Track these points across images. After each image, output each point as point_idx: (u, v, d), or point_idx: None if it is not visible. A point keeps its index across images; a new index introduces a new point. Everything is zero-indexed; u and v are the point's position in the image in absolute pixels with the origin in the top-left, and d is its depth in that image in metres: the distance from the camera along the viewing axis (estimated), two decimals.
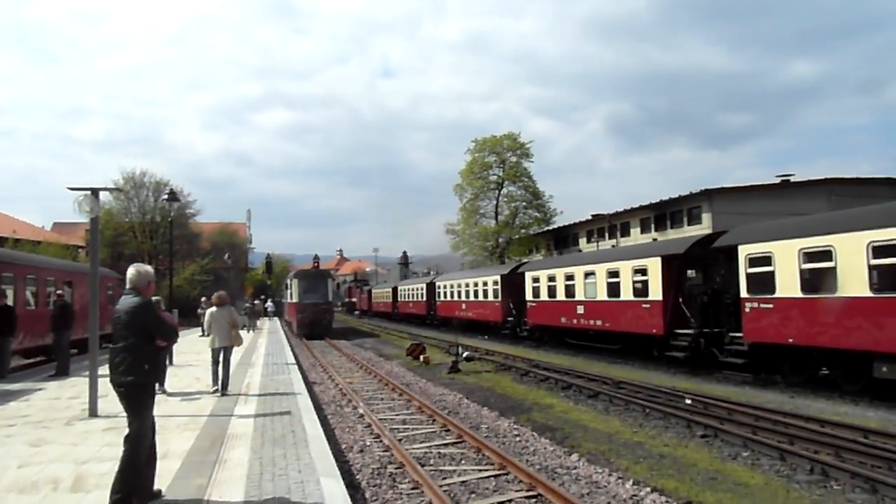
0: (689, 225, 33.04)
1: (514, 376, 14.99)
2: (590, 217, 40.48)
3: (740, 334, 12.96)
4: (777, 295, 12.00)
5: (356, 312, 63.10)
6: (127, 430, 4.82)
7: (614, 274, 17.24)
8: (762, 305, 12.27)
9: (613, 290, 17.13)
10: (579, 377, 14.04)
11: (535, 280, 21.81)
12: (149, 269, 5.18)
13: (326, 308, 29.41)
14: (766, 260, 12.24)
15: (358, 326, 40.70)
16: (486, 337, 26.05)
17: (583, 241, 41.75)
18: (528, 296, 22.15)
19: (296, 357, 17.31)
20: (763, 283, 12.21)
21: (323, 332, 28.62)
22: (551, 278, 20.74)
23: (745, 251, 12.81)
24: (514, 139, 43.40)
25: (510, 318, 24.38)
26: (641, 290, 16.09)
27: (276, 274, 58.45)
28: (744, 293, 12.74)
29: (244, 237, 59.64)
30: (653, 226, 36.09)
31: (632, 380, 12.92)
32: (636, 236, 36.90)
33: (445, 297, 32.03)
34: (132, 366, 4.80)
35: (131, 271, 5.06)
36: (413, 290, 40.70)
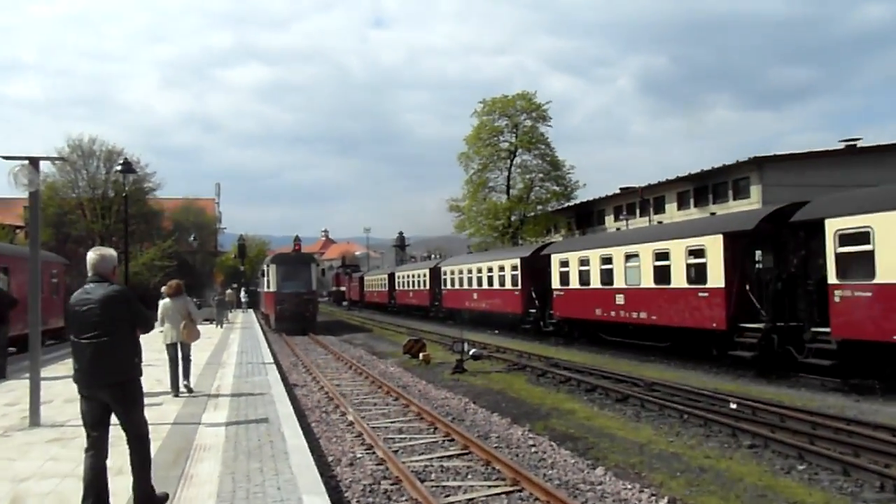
0: (735, 199, 32.58)
1: (530, 377, 15.03)
2: (618, 191, 40.26)
3: (826, 329, 12.49)
4: (878, 280, 11.47)
5: (345, 303, 63.54)
6: (125, 432, 4.90)
7: (663, 256, 16.85)
8: (857, 293, 11.79)
9: (662, 275, 16.78)
10: (605, 377, 13.97)
11: (564, 264, 21.68)
12: (112, 252, 5.17)
13: (310, 298, 29.17)
14: (863, 237, 11.73)
15: (347, 320, 41.10)
16: (496, 332, 26.01)
17: (609, 219, 41.44)
18: (556, 283, 22.00)
19: (274, 355, 17.45)
20: (859, 266, 11.76)
21: (306, 327, 28.39)
22: (584, 261, 20.56)
23: (834, 226, 12.28)
24: (528, 100, 42.53)
25: (533, 311, 24.20)
26: (698, 275, 15.65)
27: (251, 259, 58.48)
28: (832, 278, 12.25)
29: (213, 216, 59.61)
30: (692, 200, 35.68)
31: (666, 380, 12.86)
32: (672, 213, 36.79)
33: (453, 284, 31.99)
34: (126, 361, 4.84)
35: (93, 256, 5.04)
36: (414, 277, 40.76)
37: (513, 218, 41.49)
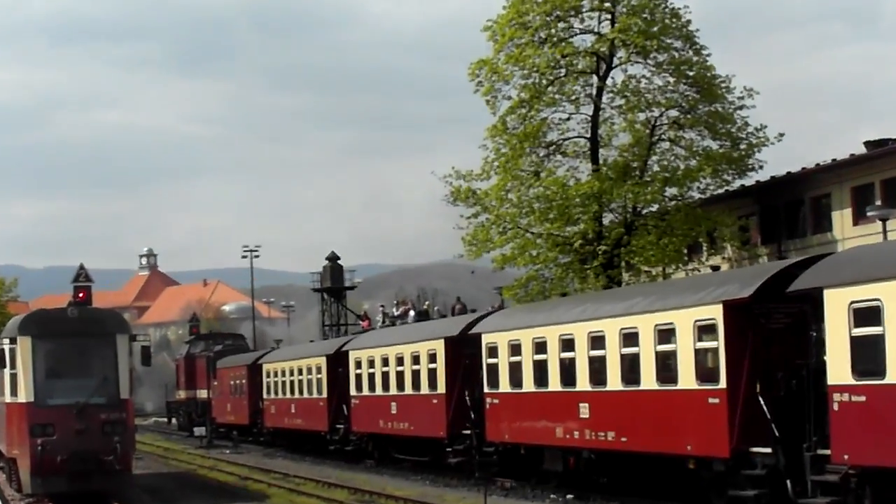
0: None
1: None
2: (856, 153, 33.41)
3: (826, 451, 15.57)
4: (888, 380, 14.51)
5: (200, 431, 58.69)
6: None
7: (630, 338, 20.49)
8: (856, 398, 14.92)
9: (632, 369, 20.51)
10: None
11: (493, 352, 25.91)
12: None
13: (112, 419, 25.87)
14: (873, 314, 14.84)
15: (208, 472, 37.48)
16: (419, 478, 29.85)
17: (842, 218, 34.45)
18: (485, 382, 26.21)
19: None
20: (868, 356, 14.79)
21: (103, 488, 25.71)
22: (531, 345, 24.19)
23: (837, 298, 15.46)
24: None
25: (466, 431, 28.11)
26: (674, 368, 19.21)
27: None
28: (832, 377, 15.55)
29: None
30: None
31: None
32: None
33: (368, 386, 35.61)
34: None
35: None
36: (296, 373, 43.90)
37: (606, 218, 36.74)
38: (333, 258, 78.50)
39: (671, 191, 36.36)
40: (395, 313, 49.58)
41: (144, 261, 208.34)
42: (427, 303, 63.21)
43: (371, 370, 34.30)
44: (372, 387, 34.13)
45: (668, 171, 36.15)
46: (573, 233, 35.69)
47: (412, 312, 47.07)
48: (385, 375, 33.03)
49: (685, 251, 37.18)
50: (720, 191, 37.08)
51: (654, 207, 36.28)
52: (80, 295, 29.40)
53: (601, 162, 36.57)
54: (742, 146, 36.10)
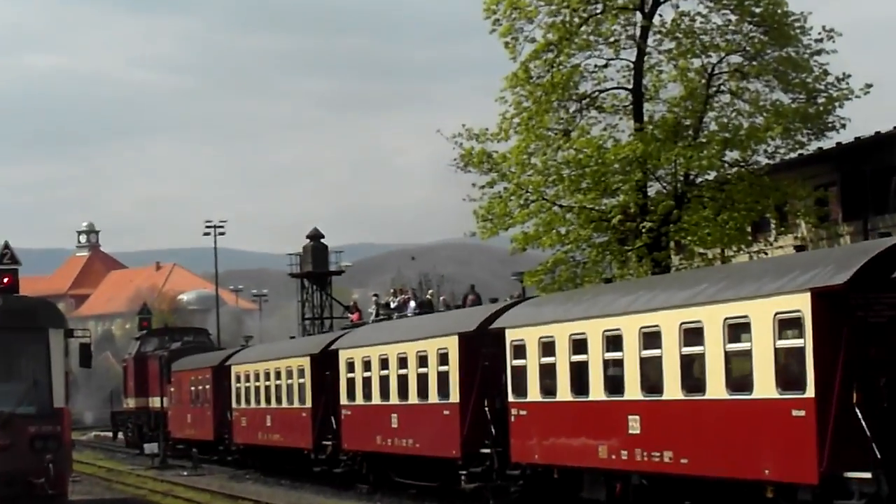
0: None
1: None
2: None
3: None
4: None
5: (152, 450, 59.92)
6: None
7: (693, 335, 20.18)
8: None
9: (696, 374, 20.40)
10: None
11: (520, 351, 25.80)
12: None
13: (46, 434, 26.10)
14: None
15: (164, 498, 38.65)
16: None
17: None
18: (510, 390, 26.21)
19: None
20: None
21: None
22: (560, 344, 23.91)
23: None
24: None
25: (485, 450, 27.79)
26: (748, 372, 18.87)
27: None
28: None
29: None
30: None
31: None
32: None
33: (362, 393, 35.66)
34: None
35: None
36: (273, 376, 43.82)
37: (652, 188, 37.00)
38: (316, 236, 78.31)
39: (732, 155, 36.25)
40: (393, 304, 49.72)
41: (84, 239, 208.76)
42: (431, 291, 63.05)
43: (367, 374, 34.20)
44: (367, 394, 34.04)
45: (729, 131, 35.82)
46: (611, 206, 35.77)
47: (413, 303, 47.21)
48: (384, 381, 32.91)
49: (749, 229, 36.97)
50: (793, 155, 36.86)
51: (711, 175, 36.31)
52: (5, 280, 28.01)
53: (646, 119, 36.51)
54: (820, 100, 35.80)
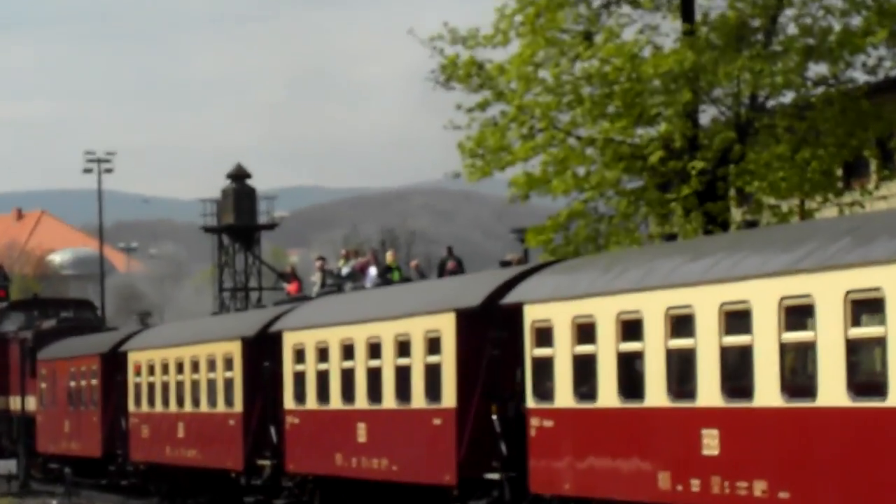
0: None
1: None
2: None
3: None
4: None
5: (15, 468, 62.01)
6: None
7: (799, 316, 19.94)
8: None
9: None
10: None
11: (543, 337, 25.59)
12: None
13: None
14: None
15: None
16: None
17: None
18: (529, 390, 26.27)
19: None
20: None
21: None
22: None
23: None
24: None
25: (494, 475, 27.89)
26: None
27: None
28: None
29: None
30: None
31: None
32: None
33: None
34: None
35: None
36: (199, 364, 43.66)
37: (705, 115, 37.38)
38: (239, 176, 78.40)
39: (817, 69, 36.21)
40: (345, 271, 49.88)
41: None
42: (389, 253, 62.24)
43: (322, 365, 34.32)
44: (324, 395, 34.26)
45: (813, 36, 35.65)
46: (648, 139, 35.80)
47: (373, 270, 47.25)
48: (347, 375, 33.00)
49: (839, 172, 37.33)
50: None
51: (788, 97, 36.11)
52: None
53: (698, 19, 36.32)
54: None
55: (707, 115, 36.34)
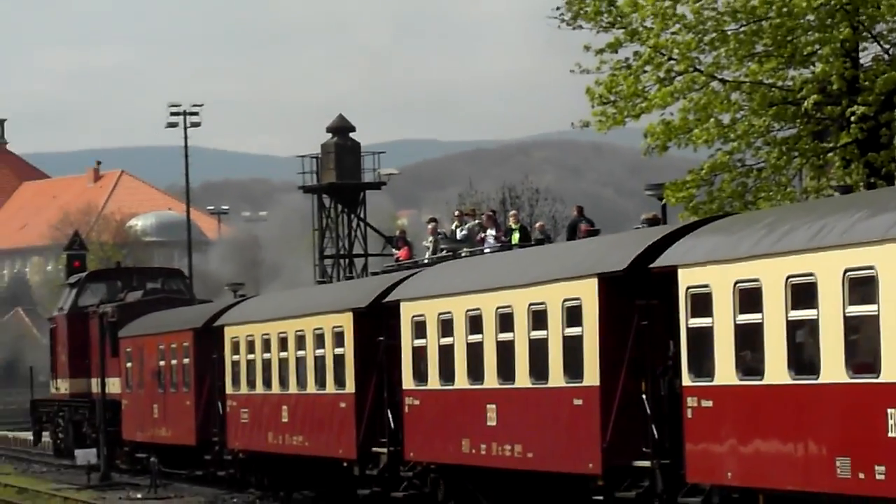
0: None
1: None
2: None
3: None
4: None
5: (94, 457, 63.47)
6: None
7: None
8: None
9: None
10: None
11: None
12: None
13: None
14: None
15: None
16: None
17: None
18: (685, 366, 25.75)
19: None
20: None
21: None
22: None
23: None
24: None
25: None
26: None
27: None
28: None
29: None
30: None
31: None
32: None
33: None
34: None
35: None
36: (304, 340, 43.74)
37: (866, 54, 37.76)
38: (342, 129, 78.72)
39: None
40: (459, 234, 49.93)
41: None
42: (512, 213, 62.35)
43: (446, 340, 34.14)
44: (447, 373, 34.09)
45: None
46: (801, 81, 35.89)
47: (492, 233, 47.24)
48: (474, 351, 32.87)
49: None
50: None
51: None
52: None
53: None
54: None
55: (868, 53, 36.51)
